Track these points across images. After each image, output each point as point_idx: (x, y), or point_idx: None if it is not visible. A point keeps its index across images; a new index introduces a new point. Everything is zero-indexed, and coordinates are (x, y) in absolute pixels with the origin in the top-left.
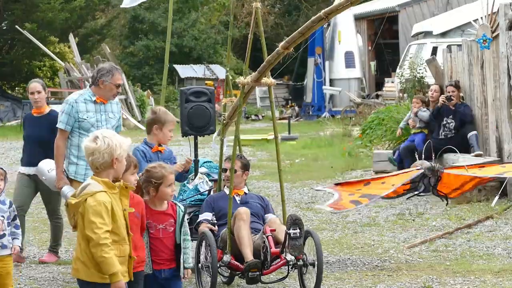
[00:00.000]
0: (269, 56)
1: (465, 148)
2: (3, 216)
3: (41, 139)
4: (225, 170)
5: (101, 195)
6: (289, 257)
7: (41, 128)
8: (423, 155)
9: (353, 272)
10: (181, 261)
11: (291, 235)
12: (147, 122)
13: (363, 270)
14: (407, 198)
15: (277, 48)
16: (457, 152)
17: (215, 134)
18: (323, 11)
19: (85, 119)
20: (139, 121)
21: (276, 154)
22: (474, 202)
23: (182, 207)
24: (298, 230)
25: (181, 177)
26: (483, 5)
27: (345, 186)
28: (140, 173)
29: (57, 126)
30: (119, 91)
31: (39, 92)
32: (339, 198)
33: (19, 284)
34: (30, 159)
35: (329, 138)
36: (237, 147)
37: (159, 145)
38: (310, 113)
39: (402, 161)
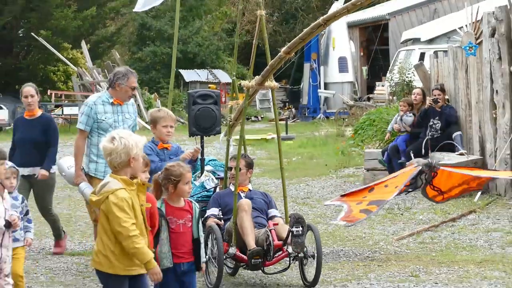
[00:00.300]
0: (272, 61)
1: (451, 147)
2: (16, 211)
3: (35, 140)
4: (231, 168)
5: (121, 192)
6: (291, 249)
7: (34, 130)
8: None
9: (346, 263)
10: (202, 253)
11: (294, 232)
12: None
13: (355, 260)
14: (406, 194)
15: (279, 53)
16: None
17: (222, 134)
18: (321, 18)
19: (103, 120)
20: (146, 122)
21: (279, 153)
22: (458, 198)
23: (197, 204)
24: (301, 228)
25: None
26: (468, 14)
27: (351, 196)
28: (159, 172)
29: (77, 126)
30: (134, 93)
31: (32, 96)
32: (349, 210)
33: (35, 273)
34: (24, 160)
35: (324, 138)
36: (242, 146)
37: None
38: (306, 114)
39: (391, 160)
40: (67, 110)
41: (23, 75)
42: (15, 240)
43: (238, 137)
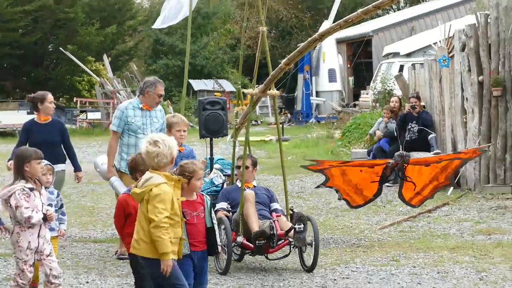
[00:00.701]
0: (273, 71)
1: (427, 147)
2: (51, 205)
3: (51, 142)
4: (239, 167)
5: (164, 186)
6: (298, 235)
7: (50, 132)
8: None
9: (335, 249)
10: (217, 239)
11: (297, 229)
12: None
13: (343, 247)
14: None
15: (280, 65)
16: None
17: (229, 136)
18: (317, 33)
19: (133, 122)
20: None
21: (280, 153)
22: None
23: (208, 197)
24: (302, 225)
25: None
26: (441, 31)
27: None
28: (174, 169)
29: (110, 128)
30: (161, 100)
31: (51, 102)
32: (328, 177)
33: (62, 258)
34: None
35: (315, 140)
36: (248, 147)
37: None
38: (300, 119)
39: (376, 158)
40: (91, 115)
41: (52, 84)
42: (51, 229)
43: (243, 138)
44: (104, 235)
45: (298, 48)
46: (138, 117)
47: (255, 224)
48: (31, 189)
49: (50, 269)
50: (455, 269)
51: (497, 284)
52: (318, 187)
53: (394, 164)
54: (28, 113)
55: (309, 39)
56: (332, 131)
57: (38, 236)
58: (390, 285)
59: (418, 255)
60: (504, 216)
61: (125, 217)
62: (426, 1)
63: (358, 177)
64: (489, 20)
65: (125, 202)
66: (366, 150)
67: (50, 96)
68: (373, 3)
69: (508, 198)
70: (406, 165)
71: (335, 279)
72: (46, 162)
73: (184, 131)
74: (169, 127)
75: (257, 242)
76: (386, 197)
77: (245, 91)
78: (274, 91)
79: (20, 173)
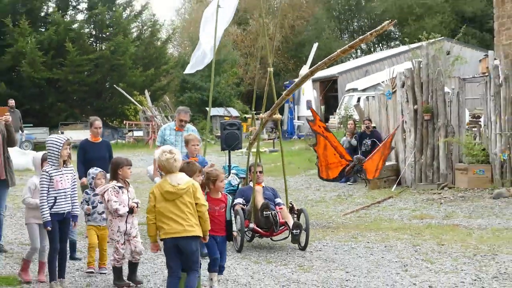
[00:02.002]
0: (277, 100)
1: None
2: (100, 202)
3: (100, 157)
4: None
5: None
6: (290, 225)
7: (100, 150)
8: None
9: (311, 230)
10: (233, 228)
11: (294, 233)
12: None
13: (317, 228)
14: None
15: (282, 95)
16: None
17: (244, 149)
18: (310, 69)
19: (167, 139)
20: None
21: (281, 160)
22: (381, 188)
23: (230, 197)
24: (299, 231)
25: None
26: (387, 73)
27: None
28: (202, 177)
29: (156, 143)
30: (183, 124)
31: (100, 127)
32: (317, 142)
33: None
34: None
35: (297, 151)
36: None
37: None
38: (286, 136)
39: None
40: (136, 133)
41: (108, 111)
42: (104, 219)
43: (254, 150)
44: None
45: (295, 83)
46: (172, 136)
47: (260, 197)
48: (120, 187)
49: (135, 247)
50: (397, 243)
51: (427, 254)
52: (310, 146)
53: (354, 164)
54: (61, 133)
55: (304, 75)
56: (309, 145)
57: (126, 222)
58: (351, 256)
59: (371, 234)
60: (432, 206)
61: None
62: (376, 51)
63: (332, 157)
64: (421, 66)
65: None
66: None
67: (97, 122)
68: (349, 44)
69: (434, 193)
70: (363, 164)
71: (311, 251)
72: (100, 169)
73: (197, 145)
74: (187, 143)
75: (264, 212)
76: (348, 192)
77: (258, 116)
78: (277, 115)
79: (114, 175)
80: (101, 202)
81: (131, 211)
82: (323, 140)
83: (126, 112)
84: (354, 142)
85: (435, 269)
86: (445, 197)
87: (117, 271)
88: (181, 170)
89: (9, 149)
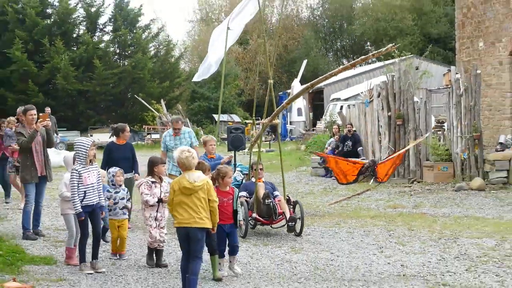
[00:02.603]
0: (278, 108)
1: (356, 156)
2: (123, 198)
3: (124, 158)
4: (253, 168)
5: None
6: (287, 215)
7: (125, 151)
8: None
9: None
10: (239, 217)
11: (289, 224)
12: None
13: (306, 216)
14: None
15: (282, 104)
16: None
17: (246, 149)
18: (310, 83)
19: (168, 144)
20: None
21: (280, 159)
22: (361, 182)
23: (237, 190)
24: (294, 223)
25: (229, 165)
26: (366, 85)
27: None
28: (212, 172)
29: (161, 149)
30: (177, 131)
31: (129, 133)
32: (326, 160)
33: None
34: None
35: (289, 151)
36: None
37: (211, 153)
38: (280, 138)
39: (325, 161)
40: (153, 136)
41: (130, 117)
42: (124, 213)
43: (255, 150)
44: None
45: (295, 94)
46: (171, 141)
47: (262, 190)
48: (153, 182)
49: (160, 235)
50: (374, 229)
51: (399, 238)
52: (320, 164)
53: (368, 165)
54: (90, 136)
55: (303, 87)
56: (299, 146)
57: (157, 211)
58: (335, 239)
59: (352, 221)
60: (404, 197)
61: None
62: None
63: (345, 167)
64: (394, 79)
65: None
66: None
67: (128, 128)
68: (350, 63)
69: (405, 186)
70: (377, 166)
71: (301, 236)
72: (118, 168)
73: (214, 145)
74: (205, 143)
75: (266, 200)
76: (333, 186)
77: (260, 121)
78: (277, 121)
79: (150, 171)
80: (122, 199)
81: (159, 201)
82: (332, 158)
83: (145, 118)
84: (338, 143)
85: (406, 251)
86: (414, 190)
87: (150, 251)
88: (199, 167)
89: (47, 149)
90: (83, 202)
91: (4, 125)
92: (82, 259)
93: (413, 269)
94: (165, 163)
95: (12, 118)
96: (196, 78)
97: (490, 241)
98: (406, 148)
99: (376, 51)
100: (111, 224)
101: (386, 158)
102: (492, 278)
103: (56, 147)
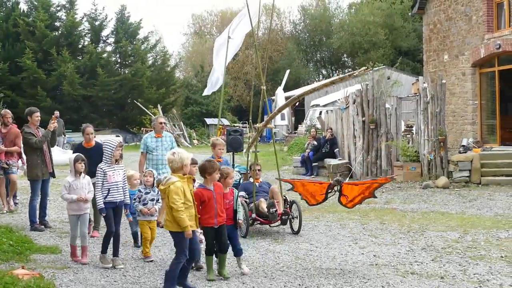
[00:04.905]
0: (271, 114)
1: (333, 156)
2: (153, 199)
3: (92, 160)
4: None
5: (178, 183)
6: (285, 214)
7: (91, 154)
8: (314, 163)
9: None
10: (239, 217)
11: (283, 218)
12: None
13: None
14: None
15: (274, 111)
16: (332, 158)
17: (244, 151)
18: (297, 94)
19: (150, 145)
20: (188, 144)
21: (275, 157)
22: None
23: (237, 191)
24: (287, 217)
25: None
26: (342, 93)
27: (295, 181)
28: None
29: (140, 150)
30: (163, 126)
31: (92, 133)
32: (294, 186)
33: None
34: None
35: (273, 152)
36: (256, 158)
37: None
38: (265, 140)
39: (305, 162)
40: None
41: (130, 121)
42: (151, 215)
43: (252, 152)
44: None
45: (287, 102)
46: (153, 142)
47: (264, 204)
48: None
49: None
50: (350, 223)
51: (372, 231)
52: (289, 190)
53: (334, 184)
54: (116, 136)
55: (291, 98)
56: (282, 147)
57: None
58: (314, 232)
59: (329, 215)
60: (376, 194)
61: (200, 203)
62: (333, 76)
63: (313, 188)
64: (368, 87)
65: (200, 193)
66: (300, 158)
67: (88, 129)
68: (331, 80)
69: None
70: (342, 185)
71: (283, 228)
72: (149, 169)
73: (222, 149)
74: (214, 146)
75: (271, 210)
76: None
77: (255, 125)
78: (270, 125)
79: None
80: (152, 200)
81: None
82: (298, 182)
83: (143, 121)
84: (315, 143)
85: (378, 242)
86: (385, 187)
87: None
88: (203, 167)
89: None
90: (106, 198)
91: None
92: (103, 250)
93: (385, 259)
94: (196, 163)
95: None
96: (206, 92)
97: (453, 234)
98: (377, 182)
99: (352, 72)
100: (141, 226)
101: (353, 182)
102: (455, 267)
103: (62, 147)
